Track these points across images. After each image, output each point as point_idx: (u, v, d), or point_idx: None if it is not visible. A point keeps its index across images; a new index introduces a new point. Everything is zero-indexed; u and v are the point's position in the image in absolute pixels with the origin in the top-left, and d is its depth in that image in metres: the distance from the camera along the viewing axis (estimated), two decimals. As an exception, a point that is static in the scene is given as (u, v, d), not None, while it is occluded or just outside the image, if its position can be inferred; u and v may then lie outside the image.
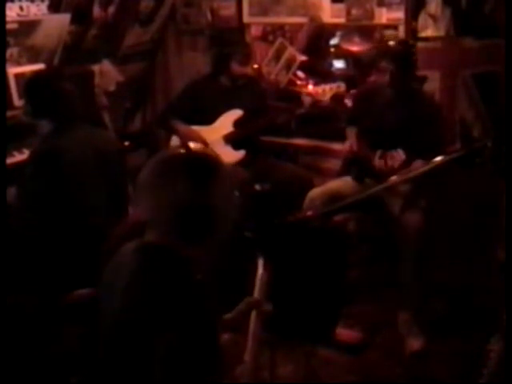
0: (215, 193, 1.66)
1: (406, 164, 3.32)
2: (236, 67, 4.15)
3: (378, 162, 3.45)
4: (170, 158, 1.72)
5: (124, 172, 3.09)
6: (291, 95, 4.61)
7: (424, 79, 4.13)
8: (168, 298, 1.61)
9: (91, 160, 2.89)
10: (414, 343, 3.30)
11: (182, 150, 1.73)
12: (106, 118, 4.42)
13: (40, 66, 3.92)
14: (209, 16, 5.09)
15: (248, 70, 4.26)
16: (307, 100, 4.14)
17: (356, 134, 3.66)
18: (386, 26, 4.37)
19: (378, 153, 3.46)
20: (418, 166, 3.19)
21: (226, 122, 4.18)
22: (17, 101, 3.71)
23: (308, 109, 4.19)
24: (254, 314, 2.02)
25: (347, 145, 3.67)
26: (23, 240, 2.75)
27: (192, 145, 1.75)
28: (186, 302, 1.61)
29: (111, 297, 1.70)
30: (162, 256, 1.68)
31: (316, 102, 4.12)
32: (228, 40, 4.42)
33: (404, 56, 3.51)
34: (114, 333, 1.68)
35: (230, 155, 4.10)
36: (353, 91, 4.28)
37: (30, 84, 2.99)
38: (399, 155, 3.34)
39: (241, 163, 4.12)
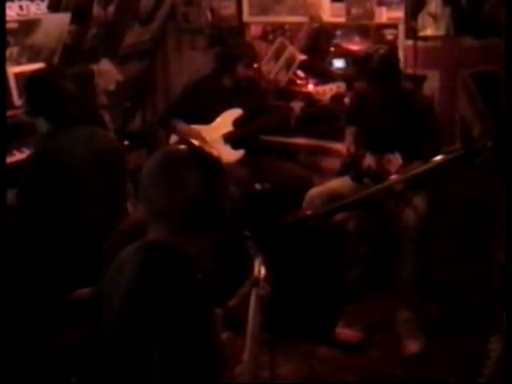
0: (220, 184, 1.72)
1: (403, 168, 3.30)
2: (242, 70, 4.15)
3: (367, 161, 3.44)
4: (177, 152, 1.72)
5: (123, 172, 3.09)
6: (291, 95, 4.62)
7: (423, 79, 4.13)
8: (169, 295, 1.62)
9: (90, 160, 2.89)
10: (413, 345, 3.29)
11: (184, 146, 1.74)
12: (106, 117, 4.41)
13: (40, 66, 3.91)
14: (209, 15, 5.09)
15: (252, 73, 4.27)
16: (297, 106, 4.19)
17: (353, 134, 3.66)
18: (386, 26, 4.37)
19: (368, 154, 3.46)
20: (417, 166, 3.18)
21: (226, 121, 4.18)
22: (17, 100, 3.71)
23: (299, 115, 4.23)
24: (253, 294, 2.02)
25: (344, 147, 3.67)
26: (23, 240, 2.75)
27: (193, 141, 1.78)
28: (186, 300, 1.62)
29: (113, 296, 1.72)
30: (164, 254, 1.70)
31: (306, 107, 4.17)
32: (233, 42, 4.42)
33: (384, 64, 3.38)
34: (115, 332, 1.69)
35: (230, 154, 4.10)
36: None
37: (28, 83, 2.98)
38: (396, 160, 3.32)
39: (240, 163, 4.12)
